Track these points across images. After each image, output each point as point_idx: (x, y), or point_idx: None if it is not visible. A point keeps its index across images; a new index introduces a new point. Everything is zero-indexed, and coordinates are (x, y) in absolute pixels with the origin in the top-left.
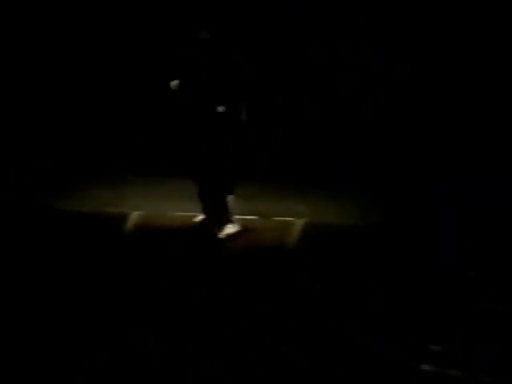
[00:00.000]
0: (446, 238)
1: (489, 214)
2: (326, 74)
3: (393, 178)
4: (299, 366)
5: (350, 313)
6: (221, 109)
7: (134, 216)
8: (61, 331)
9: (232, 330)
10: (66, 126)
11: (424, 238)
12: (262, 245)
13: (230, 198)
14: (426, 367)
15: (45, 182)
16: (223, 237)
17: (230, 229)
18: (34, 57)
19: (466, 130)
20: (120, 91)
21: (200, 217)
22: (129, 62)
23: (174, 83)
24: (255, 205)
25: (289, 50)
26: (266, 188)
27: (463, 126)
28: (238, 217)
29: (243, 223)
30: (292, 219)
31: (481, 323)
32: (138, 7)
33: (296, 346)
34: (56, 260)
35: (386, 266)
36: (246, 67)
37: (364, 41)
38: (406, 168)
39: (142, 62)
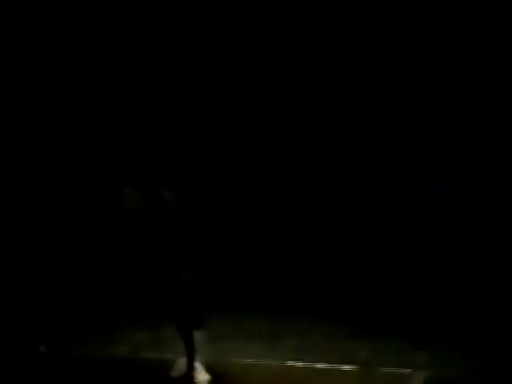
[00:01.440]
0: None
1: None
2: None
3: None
4: None
5: None
6: None
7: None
8: None
9: None
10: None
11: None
12: None
13: (197, 335)
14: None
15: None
16: None
17: (201, 376)
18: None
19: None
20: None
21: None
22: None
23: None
24: (348, 349)
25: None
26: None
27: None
28: (324, 366)
29: (335, 374)
30: (407, 371)
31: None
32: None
33: None
34: None
35: None
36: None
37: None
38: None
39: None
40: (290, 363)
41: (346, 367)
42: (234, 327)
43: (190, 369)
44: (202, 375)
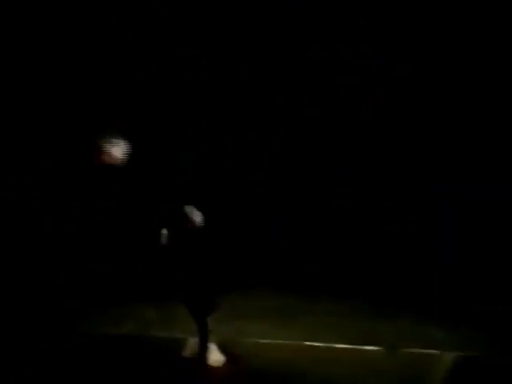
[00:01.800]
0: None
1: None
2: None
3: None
4: None
5: None
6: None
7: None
8: None
9: None
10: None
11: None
12: None
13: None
14: None
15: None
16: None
17: (215, 356)
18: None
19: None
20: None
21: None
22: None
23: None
24: (367, 328)
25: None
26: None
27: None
28: (343, 346)
29: (359, 356)
30: (434, 352)
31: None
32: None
33: None
34: None
35: None
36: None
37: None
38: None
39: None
40: (306, 343)
41: (367, 347)
42: (248, 306)
43: (204, 350)
44: (215, 356)
